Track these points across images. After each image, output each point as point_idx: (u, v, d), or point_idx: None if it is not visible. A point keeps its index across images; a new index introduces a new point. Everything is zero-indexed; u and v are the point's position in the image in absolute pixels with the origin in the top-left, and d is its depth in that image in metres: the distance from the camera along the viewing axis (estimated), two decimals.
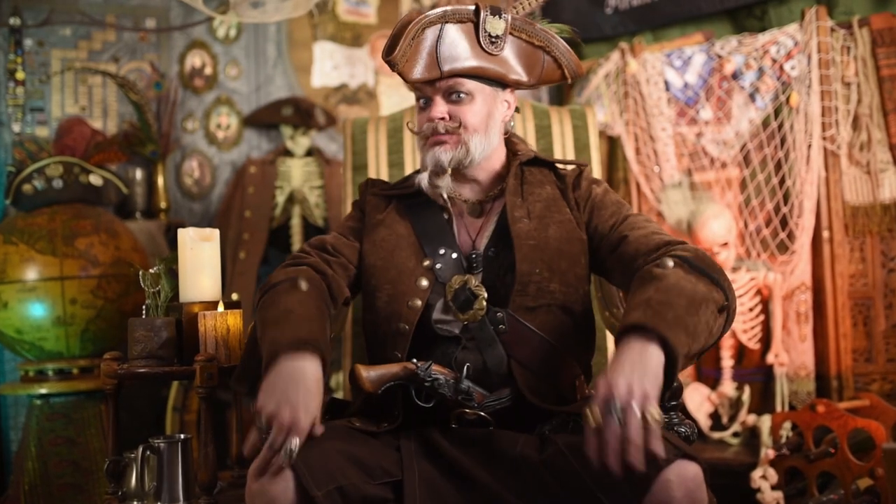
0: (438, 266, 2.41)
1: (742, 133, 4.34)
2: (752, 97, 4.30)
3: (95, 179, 4.27)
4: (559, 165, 2.56)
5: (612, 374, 1.89)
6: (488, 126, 2.44)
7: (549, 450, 2.09)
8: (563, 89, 5.20)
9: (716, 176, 4.42)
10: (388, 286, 2.43)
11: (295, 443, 1.97)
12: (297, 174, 4.98)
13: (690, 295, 2.05)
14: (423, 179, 2.46)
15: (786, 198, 4.19)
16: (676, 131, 4.51)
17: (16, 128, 4.49)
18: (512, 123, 2.55)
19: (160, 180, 4.84)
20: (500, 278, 2.38)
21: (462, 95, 2.40)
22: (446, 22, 2.37)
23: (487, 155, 2.47)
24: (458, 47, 2.38)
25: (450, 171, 2.42)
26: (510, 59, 2.44)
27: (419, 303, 2.38)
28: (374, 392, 2.24)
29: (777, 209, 4.22)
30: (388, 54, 2.33)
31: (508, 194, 2.44)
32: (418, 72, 2.36)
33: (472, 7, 2.39)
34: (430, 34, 2.36)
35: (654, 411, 1.84)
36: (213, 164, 5.11)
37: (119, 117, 4.81)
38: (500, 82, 2.46)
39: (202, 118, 5.07)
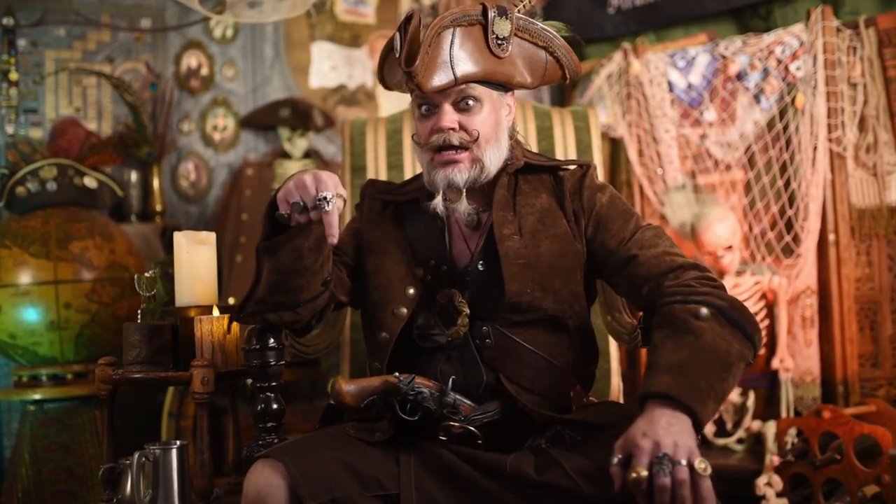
0: (428, 277, 2.35)
1: (747, 135, 4.32)
2: (756, 98, 4.29)
3: (90, 182, 4.26)
4: (561, 168, 2.45)
5: (651, 432, 1.81)
6: (498, 134, 2.33)
7: (551, 471, 2.04)
8: (564, 90, 5.19)
9: (720, 178, 4.40)
10: (376, 292, 2.37)
11: (328, 194, 2.04)
12: None
13: (725, 357, 1.97)
14: (439, 204, 2.31)
15: (791, 200, 4.17)
16: (680, 133, 4.48)
17: (9, 129, 4.50)
18: (517, 129, 2.48)
19: (156, 183, 4.84)
20: (489, 295, 2.30)
21: (471, 103, 2.28)
22: (458, 25, 2.24)
23: (493, 173, 2.35)
24: (469, 51, 2.25)
25: (465, 192, 2.31)
26: (516, 61, 2.33)
27: (405, 311, 2.31)
28: (356, 406, 2.19)
29: (782, 212, 4.20)
30: (409, 64, 2.18)
31: (496, 209, 2.34)
32: (436, 80, 2.21)
33: (480, 8, 2.26)
34: (445, 39, 2.22)
35: (703, 463, 1.79)
36: (210, 167, 5.10)
37: (114, 119, 4.81)
38: (503, 86, 2.36)
39: (198, 119, 5.07)
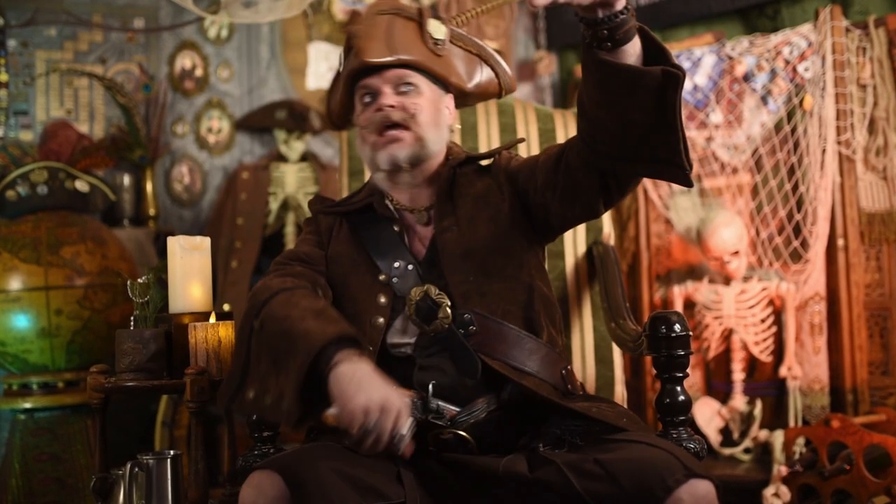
0: (395, 280, 2.41)
1: (754, 137, 4.30)
2: (764, 100, 4.26)
3: (82, 185, 4.24)
4: (484, 161, 2.57)
5: None
6: (438, 122, 2.48)
7: (543, 468, 2.08)
8: (568, 92, 5.15)
9: (726, 182, 4.38)
10: (349, 304, 2.42)
11: (407, 424, 2.09)
12: (292, 180, 4.94)
13: None
14: (380, 179, 2.48)
15: (799, 204, 4.15)
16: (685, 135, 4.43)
17: None
18: (456, 126, 2.64)
19: (149, 186, 4.83)
20: (443, 288, 2.37)
21: (410, 87, 2.43)
22: (397, 15, 2.47)
23: (434, 154, 2.48)
24: (409, 39, 2.45)
25: (406, 167, 2.42)
26: (454, 62, 2.54)
27: (381, 321, 2.37)
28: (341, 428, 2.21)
29: (790, 216, 4.17)
30: (350, 25, 2.43)
31: (438, 202, 2.47)
32: (377, 56, 2.39)
33: (416, 11, 2.50)
34: (384, 22, 2.45)
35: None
36: (204, 170, 5.09)
37: (106, 121, 4.82)
38: (443, 84, 2.51)
39: (192, 122, 5.06)
